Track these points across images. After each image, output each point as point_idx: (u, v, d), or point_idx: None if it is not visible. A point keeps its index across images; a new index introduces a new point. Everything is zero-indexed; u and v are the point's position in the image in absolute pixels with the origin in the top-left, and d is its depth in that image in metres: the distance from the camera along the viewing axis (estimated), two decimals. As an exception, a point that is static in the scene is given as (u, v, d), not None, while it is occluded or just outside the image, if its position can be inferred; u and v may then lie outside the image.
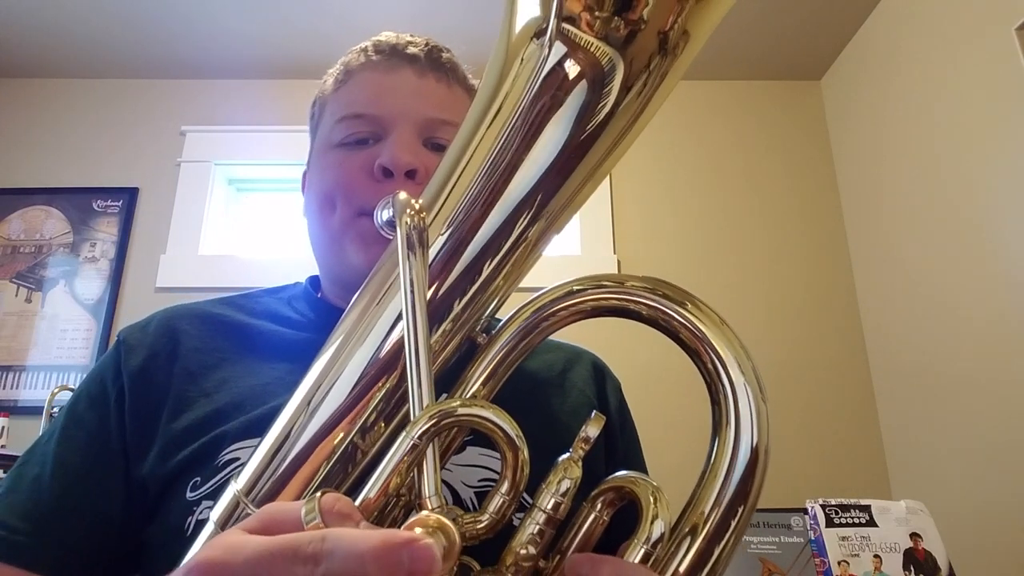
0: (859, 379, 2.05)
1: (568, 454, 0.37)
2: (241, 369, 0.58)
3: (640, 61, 0.37)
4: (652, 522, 0.36)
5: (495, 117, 0.40)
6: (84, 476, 0.53)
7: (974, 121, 1.62)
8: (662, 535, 0.35)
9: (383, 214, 0.42)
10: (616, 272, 2.11)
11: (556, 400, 0.62)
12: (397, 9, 2.02)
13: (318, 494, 0.30)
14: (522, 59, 0.39)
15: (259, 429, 0.43)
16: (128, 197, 2.24)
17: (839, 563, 0.95)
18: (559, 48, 0.37)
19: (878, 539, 0.97)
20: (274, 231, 2.34)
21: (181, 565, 0.30)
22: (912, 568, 0.96)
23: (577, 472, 0.36)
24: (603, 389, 0.67)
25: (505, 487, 0.35)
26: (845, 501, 1.00)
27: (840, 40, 2.18)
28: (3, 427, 1.85)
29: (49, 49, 2.24)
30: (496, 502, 0.35)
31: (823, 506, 1.00)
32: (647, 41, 0.36)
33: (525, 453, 0.34)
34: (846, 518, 0.99)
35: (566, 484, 0.36)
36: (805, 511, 1.03)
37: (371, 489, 0.33)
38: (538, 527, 0.36)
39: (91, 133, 2.32)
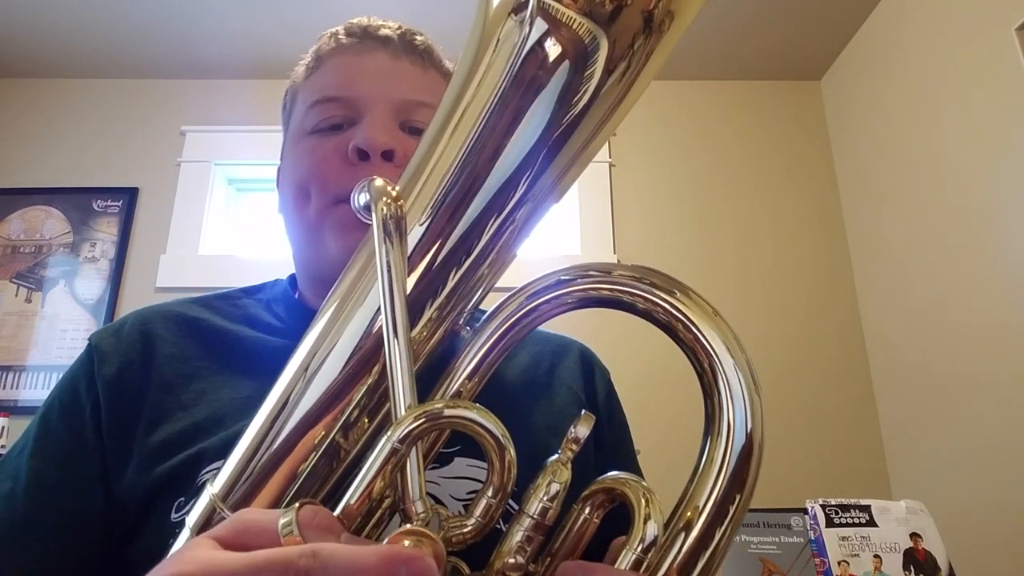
0: (859, 379, 2.05)
1: (557, 456, 0.36)
2: (219, 380, 0.55)
3: (624, 41, 0.36)
4: (644, 524, 0.34)
5: (473, 98, 0.38)
6: (60, 490, 0.51)
7: (974, 121, 1.62)
8: (655, 538, 0.34)
9: (360, 198, 0.40)
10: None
11: (544, 400, 0.60)
12: (397, 10, 2.02)
13: (296, 505, 0.29)
14: (499, 38, 0.38)
15: None
16: (128, 197, 2.24)
17: (839, 563, 0.95)
18: (540, 25, 0.36)
19: (878, 539, 0.97)
20: (274, 231, 2.34)
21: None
22: (912, 568, 0.96)
23: (566, 475, 0.35)
24: (591, 381, 0.65)
25: (491, 491, 0.33)
26: (845, 501, 1.00)
27: (840, 40, 2.18)
28: (3, 427, 1.86)
29: (49, 49, 2.24)
30: (483, 505, 0.34)
31: (823, 506, 1.00)
32: (632, 19, 0.35)
33: (512, 454, 0.33)
34: (846, 518, 0.99)
35: (555, 488, 0.35)
36: (805, 511, 1.03)
37: (352, 496, 0.31)
38: (526, 534, 0.34)
39: (91, 133, 2.32)
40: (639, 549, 0.34)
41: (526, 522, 0.35)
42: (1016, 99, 1.48)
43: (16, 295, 2.14)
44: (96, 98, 2.36)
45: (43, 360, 2.07)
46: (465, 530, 0.34)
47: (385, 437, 0.32)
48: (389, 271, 0.35)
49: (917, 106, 1.84)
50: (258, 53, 2.25)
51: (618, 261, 2.13)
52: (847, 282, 2.16)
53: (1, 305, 2.13)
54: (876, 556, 0.96)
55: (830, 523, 0.98)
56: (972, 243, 1.62)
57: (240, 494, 0.38)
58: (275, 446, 0.38)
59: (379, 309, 0.38)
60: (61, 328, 2.10)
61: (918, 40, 1.84)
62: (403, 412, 0.32)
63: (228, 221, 2.34)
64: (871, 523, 0.99)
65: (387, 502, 0.35)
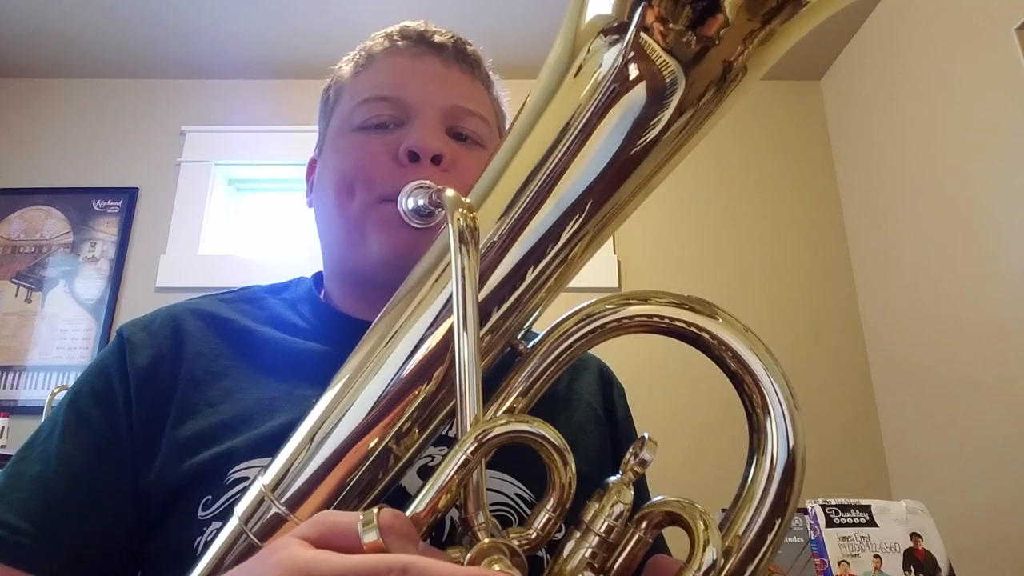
0: (859, 379, 2.05)
1: (618, 476, 0.37)
2: (247, 381, 0.56)
3: (700, 85, 0.37)
4: (704, 549, 0.35)
5: (550, 121, 0.40)
6: (91, 477, 0.51)
7: (974, 121, 1.62)
8: (713, 562, 0.35)
9: (409, 201, 0.40)
10: (615, 274, 2.11)
11: (563, 416, 0.61)
12: (397, 10, 2.02)
13: (375, 510, 0.29)
14: (590, 48, 0.38)
15: (269, 448, 0.42)
16: (128, 197, 2.24)
17: (839, 563, 0.94)
18: (630, 56, 0.37)
19: (878, 539, 0.97)
20: (274, 231, 2.34)
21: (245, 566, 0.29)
22: (912, 568, 0.96)
23: (629, 496, 0.36)
24: (610, 398, 0.66)
25: (551, 503, 0.34)
26: (845, 501, 1.00)
27: (840, 40, 2.18)
28: (3, 427, 1.86)
29: (49, 49, 2.24)
30: (542, 519, 0.35)
31: (823, 506, 1.00)
32: (711, 65, 0.36)
33: (573, 468, 0.34)
34: (846, 518, 0.99)
35: (619, 508, 0.36)
36: (805, 511, 1.03)
37: (420, 504, 0.32)
38: (591, 550, 0.35)
39: (91, 133, 2.32)
40: (698, 574, 0.35)
41: (591, 539, 0.36)
42: (1016, 99, 1.48)
43: (16, 295, 2.14)
44: (96, 98, 2.36)
45: (43, 360, 2.07)
46: (527, 542, 0.35)
47: (456, 448, 0.32)
48: (463, 280, 0.36)
49: (917, 106, 1.84)
50: (258, 53, 2.25)
51: (618, 261, 2.13)
52: (847, 282, 2.16)
53: (1, 305, 2.13)
54: (876, 556, 0.96)
55: (830, 523, 0.98)
56: (972, 243, 1.62)
57: (291, 488, 0.38)
58: (328, 443, 0.39)
59: (439, 319, 0.39)
60: (61, 328, 2.10)
61: (918, 40, 1.84)
62: (470, 424, 0.33)
63: (228, 221, 2.34)
64: (871, 523, 0.99)
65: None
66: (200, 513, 0.48)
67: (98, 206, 2.23)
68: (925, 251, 1.80)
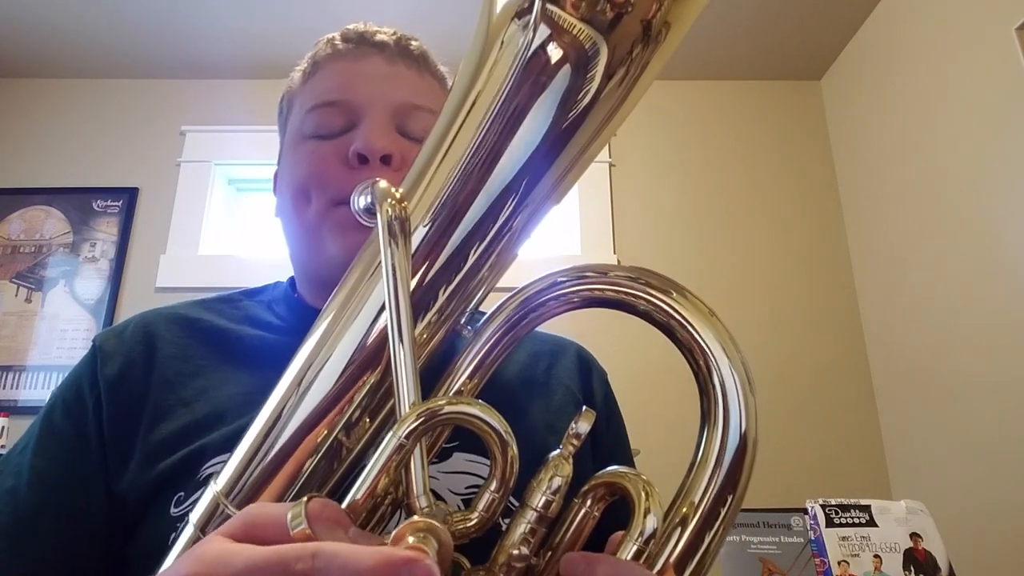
0: (859, 379, 2.05)
1: (558, 451, 0.37)
2: (220, 378, 0.56)
3: (623, 48, 0.36)
4: (645, 516, 0.35)
5: (475, 101, 0.39)
6: (62, 487, 0.51)
7: (974, 121, 1.62)
8: (655, 530, 0.35)
9: (360, 200, 0.41)
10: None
11: (541, 400, 0.61)
12: (398, 10, 2.02)
13: (304, 499, 0.29)
14: (502, 41, 0.38)
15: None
16: (128, 197, 2.24)
17: (839, 563, 0.95)
18: (543, 31, 0.36)
19: (878, 539, 0.97)
20: (274, 231, 2.34)
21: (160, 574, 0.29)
22: (912, 568, 0.96)
23: (568, 469, 0.36)
24: (589, 382, 0.66)
25: (494, 485, 0.34)
26: (845, 501, 1.00)
27: (840, 40, 2.18)
28: (3, 427, 1.86)
29: (49, 49, 2.24)
30: (485, 499, 0.34)
31: (823, 506, 1.00)
32: (631, 27, 0.36)
33: (514, 449, 0.34)
34: (846, 518, 0.99)
35: (557, 482, 0.35)
36: (805, 511, 1.03)
37: (358, 491, 0.32)
38: (529, 526, 0.35)
39: (91, 133, 2.32)
40: (639, 540, 0.35)
41: (529, 515, 0.35)
42: (1016, 99, 1.48)
43: (16, 295, 2.14)
44: (96, 98, 2.36)
45: (43, 360, 2.07)
46: (469, 524, 0.34)
47: (390, 433, 0.32)
48: (394, 271, 0.35)
49: (917, 106, 1.84)
50: (258, 53, 2.25)
51: (618, 261, 2.13)
52: (847, 282, 2.16)
53: (1, 305, 2.13)
54: (876, 556, 0.96)
55: (830, 523, 0.98)
56: (972, 243, 1.62)
57: (244, 490, 0.38)
58: (279, 444, 0.39)
59: (381, 310, 0.38)
60: (61, 328, 2.10)
61: (918, 40, 1.84)
62: (407, 409, 0.33)
63: (228, 221, 2.34)
64: (871, 523, 0.99)
65: (389, 498, 0.35)
66: (173, 509, 0.48)
67: (98, 206, 2.23)
68: (925, 251, 1.80)
